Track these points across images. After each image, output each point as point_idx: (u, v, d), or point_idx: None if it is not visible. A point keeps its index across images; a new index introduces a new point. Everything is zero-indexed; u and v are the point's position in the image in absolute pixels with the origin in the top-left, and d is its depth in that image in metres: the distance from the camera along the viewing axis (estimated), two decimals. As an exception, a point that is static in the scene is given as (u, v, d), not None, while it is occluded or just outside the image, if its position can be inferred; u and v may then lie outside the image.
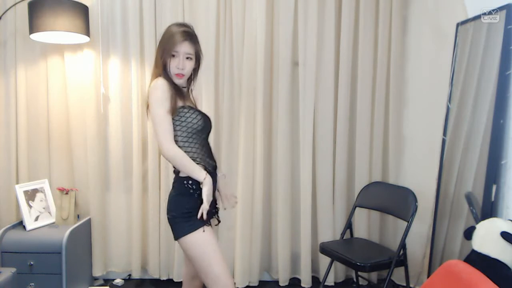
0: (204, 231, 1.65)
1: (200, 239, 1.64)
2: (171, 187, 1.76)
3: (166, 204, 1.73)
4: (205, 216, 1.63)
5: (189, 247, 1.66)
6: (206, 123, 1.78)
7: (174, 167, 1.73)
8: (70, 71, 2.69)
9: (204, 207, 1.63)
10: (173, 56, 1.70)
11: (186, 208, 1.67)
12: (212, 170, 1.77)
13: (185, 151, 1.68)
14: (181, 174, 1.70)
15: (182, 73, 1.72)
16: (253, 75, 2.67)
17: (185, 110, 1.71)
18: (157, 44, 1.77)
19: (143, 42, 2.68)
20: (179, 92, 1.74)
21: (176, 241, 1.70)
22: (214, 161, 1.82)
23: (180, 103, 1.71)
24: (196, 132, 1.72)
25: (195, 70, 1.81)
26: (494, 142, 1.90)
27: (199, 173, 1.65)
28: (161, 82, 1.67)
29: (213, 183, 1.71)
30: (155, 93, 1.65)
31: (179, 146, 1.68)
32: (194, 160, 1.69)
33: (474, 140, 2.05)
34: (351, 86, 2.71)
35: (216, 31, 2.65)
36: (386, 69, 2.68)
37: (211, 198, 1.66)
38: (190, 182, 1.67)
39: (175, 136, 1.68)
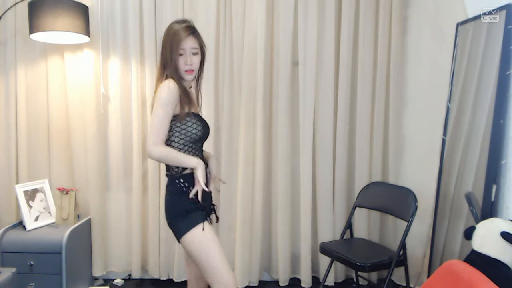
0: (203, 229, 1.66)
1: (199, 235, 1.65)
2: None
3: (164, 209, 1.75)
4: (199, 197, 1.66)
5: (190, 244, 1.67)
6: (204, 133, 1.78)
7: (166, 170, 1.76)
8: (70, 71, 2.68)
9: (199, 188, 1.65)
10: (180, 54, 1.70)
11: (182, 207, 1.68)
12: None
13: None
14: (172, 173, 1.72)
15: (191, 69, 1.72)
16: (253, 75, 2.67)
17: (188, 119, 1.71)
18: (159, 43, 1.76)
19: (143, 42, 2.68)
20: (188, 96, 1.73)
21: (179, 243, 1.71)
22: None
23: (186, 109, 1.71)
24: (193, 141, 1.74)
25: (201, 63, 1.81)
26: (494, 142, 1.90)
27: (190, 161, 1.67)
28: (172, 85, 1.66)
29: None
30: (161, 93, 1.65)
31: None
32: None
33: (474, 140, 2.05)
34: (351, 86, 2.71)
35: (216, 31, 2.65)
36: (386, 69, 2.68)
37: (204, 180, 1.68)
38: (182, 180, 1.70)
39: (172, 141, 1.70)
